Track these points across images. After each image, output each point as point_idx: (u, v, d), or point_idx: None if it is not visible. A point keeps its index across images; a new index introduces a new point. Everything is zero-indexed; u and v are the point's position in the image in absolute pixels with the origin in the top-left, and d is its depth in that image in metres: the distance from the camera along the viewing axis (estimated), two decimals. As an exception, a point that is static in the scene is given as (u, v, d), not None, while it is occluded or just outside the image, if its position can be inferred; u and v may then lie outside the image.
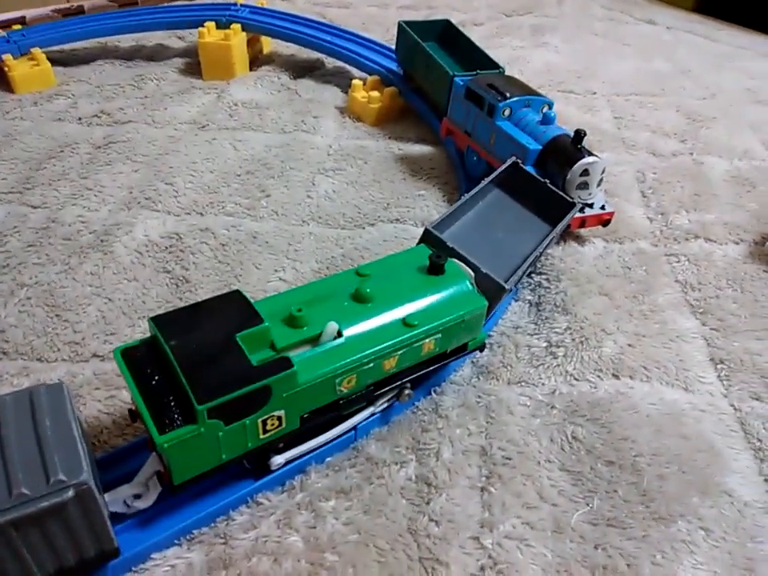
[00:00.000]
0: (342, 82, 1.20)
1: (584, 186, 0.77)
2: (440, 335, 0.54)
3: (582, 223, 0.80)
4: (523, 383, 0.64)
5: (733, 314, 0.74)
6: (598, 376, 0.65)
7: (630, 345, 0.69)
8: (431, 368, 0.57)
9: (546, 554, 0.50)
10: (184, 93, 1.15)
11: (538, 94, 0.86)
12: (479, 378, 0.64)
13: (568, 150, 0.78)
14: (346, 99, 1.14)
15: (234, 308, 0.49)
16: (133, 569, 0.47)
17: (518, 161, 0.74)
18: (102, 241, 0.78)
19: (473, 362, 0.66)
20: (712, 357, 0.69)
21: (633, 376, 0.65)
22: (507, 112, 0.84)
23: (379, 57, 1.18)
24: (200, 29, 1.16)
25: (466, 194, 0.69)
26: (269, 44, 1.33)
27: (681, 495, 0.54)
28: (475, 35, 1.47)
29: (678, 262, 0.82)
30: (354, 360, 0.49)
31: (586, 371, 0.65)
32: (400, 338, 0.52)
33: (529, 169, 0.76)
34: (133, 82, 1.16)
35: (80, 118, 1.05)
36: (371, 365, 0.51)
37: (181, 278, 0.74)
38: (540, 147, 0.80)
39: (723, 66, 1.43)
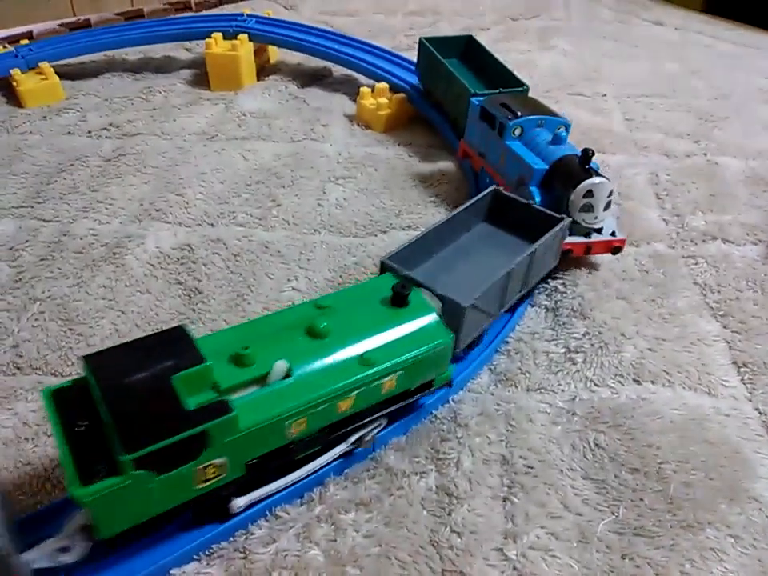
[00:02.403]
0: (350, 90, 1.20)
1: (588, 208, 0.72)
2: (402, 373, 0.50)
3: (588, 249, 0.75)
4: (542, 390, 0.63)
5: (754, 316, 0.73)
6: (619, 381, 0.64)
7: (650, 349, 0.68)
8: (393, 407, 0.53)
9: (572, 564, 0.48)
10: (192, 104, 1.15)
11: (555, 114, 0.82)
12: (497, 386, 0.63)
13: (573, 170, 0.73)
14: (354, 107, 1.13)
15: (175, 346, 0.45)
16: (152, 586, 0.46)
17: (499, 188, 0.73)
18: (113, 253, 0.78)
19: (490, 369, 0.65)
20: (734, 360, 0.67)
21: (655, 381, 0.64)
22: (518, 131, 0.80)
23: (387, 64, 1.18)
24: (207, 40, 1.16)
25: (432, 225, 0.66)
26: (275, 54, 1.33)
27: (708, 502, 0.53)
28: (482, 39, 1.47)
29: (696, 263, 0.81)
30: (304, 401, 0.46)
31: (607, 377, 0.64)
32: (356, 377, 0.48)
33: (534, 190, 0.74)
34: (141, 95, 1.17)
35: (89, 131, 1.05)
36: (323, 406, 0.47)
37: (193, 290, 0.73)
38: (546, 167, 0.75)
39: (734, 66, 1.42)
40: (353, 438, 0.52)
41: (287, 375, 0.47)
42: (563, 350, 0.67)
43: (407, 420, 0.58)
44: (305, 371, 0.47)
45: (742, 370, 0.66)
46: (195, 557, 0.48)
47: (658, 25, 1.67)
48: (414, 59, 1.13)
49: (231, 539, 0.49)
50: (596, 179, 0.71)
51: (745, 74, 1.38)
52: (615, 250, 0.76)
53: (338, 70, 1.28)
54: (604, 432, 0.59)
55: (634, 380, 0.64)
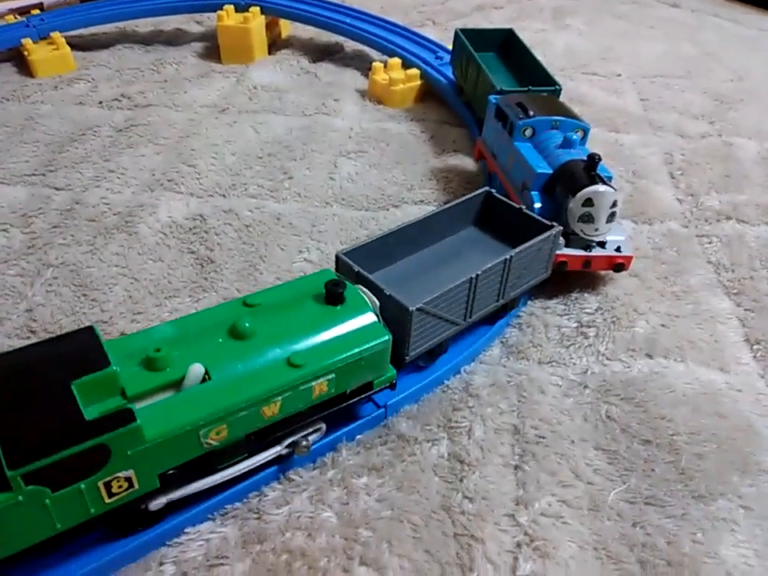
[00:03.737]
0: (362, 65, 1.19)
1: (588, 218, 0.65)
2: (333, 375, 0.47)
3: (587, 264, 0.68)
4: (554, 363, 0.63)
5: (767, 295, 0.72)
6: (631, 356, 0.64)
7: (663, 325, 0.67)
8: (327, 411, 0.50)
9: (582, 531, 0.49)
10: (203, 77, 1.14)
11: (577, 117, 0.75)
12: (509, 358, 0.63)
13: (575, 176, 0.66)
14: (366, 82, 1.12)
15: (81, 349, 0.41)
16: (167, 543, 0.46)
17: (491, 190, 0.69)
18: (126, 222, 0.78)
19: (502, 341, 0.65)
20: (747, 337, 0.67)
21: (667, 356, 0.64)
22: (529, 132, 0.74)
23: (400, 39, 1.17)
24: (219, 12, 1.15)
25: (406, 223, 0.63)
26: (287, 28, 1.32)
27: (720, 473, 0.53)
28: (496, 18, 1.46)
29: (710, 242, 0.80)
30: (223, 407, 0.43)
31: (619, 351, 0.64)
32: (282, 381, 0.45)
33: (535, 196, 0.69)
34: (152, 66, 1.16)
35: (100, 102, 1.04)
36: (245, 412, 0.44)
37: (206, 259, 0.73)
38: (550, 171, 0.69)
39: (750, 49, 1.40)
40: (285, 443, 0.49)
41: (205, 379, 0.44)
42: (575, 325, 0.67)
43: (418, 389, 0.58)
44: (224, 375, 0.44)
45: (755, 347, 0.66)
46: (209, 516, 0.48)
47: (673, 6, 1.64)
48: (428, 36, 1.12)
49: (245, 500, 0.49)
50: (598, 187, 0.64)
51: (761, 57, 1.36)
52: (618, 267, 0.69)
53: (350, 46, 1.27)
54: (616, 404, 0.59)
55: (647, 354, 0.64)
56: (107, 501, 0.41)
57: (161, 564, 0.45)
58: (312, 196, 0.85)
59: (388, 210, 0.83)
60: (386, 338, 0.50)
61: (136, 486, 0.41)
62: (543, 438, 0.56)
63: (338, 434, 0.53)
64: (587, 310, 0.69)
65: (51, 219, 0.78)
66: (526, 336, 0.66)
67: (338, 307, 0.50)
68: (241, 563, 0.45)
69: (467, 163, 0.93)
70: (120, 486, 0.41)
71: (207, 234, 0.77)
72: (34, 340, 0.62)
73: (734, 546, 0.48)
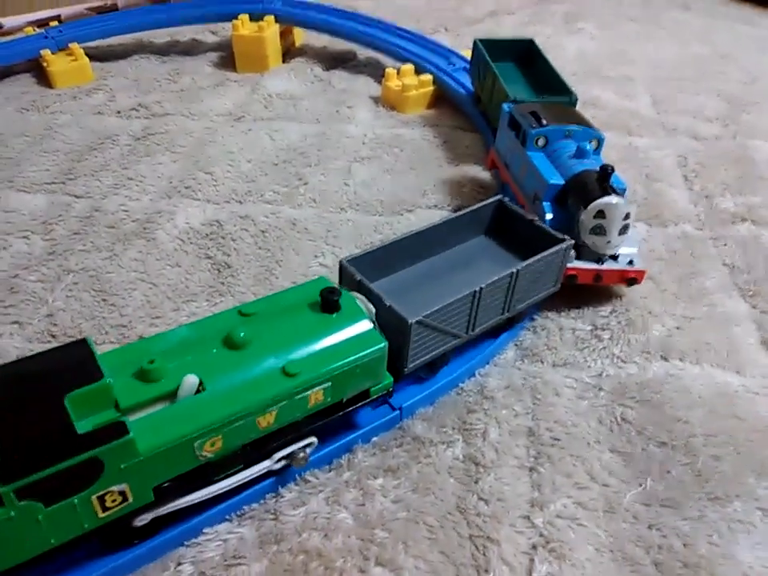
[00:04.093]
0: (375, 72, 1.20)
1: (600, 231, 0.64)
2: (329, 384, 0.47)
3: (598, 278, 0.67)
4: (569, 366, 0.63)
5: (784, 297, 0.72)
6: (646, 358, 0.64)
7: (678, 327, 0.67)
8: (324, 421, 0.50)
9: (598, 533, 0.49)
10: (219, 86, 1.16)
11: (591, 127, 0.74)
12: (523, 361, 0.64)
13: (588, 187, 0.65)
14: (379, 89, 1.13)
15: (74, 361, 0.41)
16: (185, 543, 0.47)
17: (503, 199, 0.68)
18: (144, 228, 0.79)
19: (516, 344, 0.66)
20: (763, 340, 0.67)
21: (683, 358, 0.64)
22: (542, 141, 0.73)
23: (412, 45, 1.18)
24: (234, 21, 1.17)
25: (413, 231, 0.63)
26: (301, 36, 1.33)
27: (736, 476, 0.53)
28: (508, 23, 1.47)
29: (725, 245, 0.80)
30: (218, 418, 0.42)
31: (634, 353, 0.64)
32: (277, 390, 0.44)
33: (547, 207, 0.68)
34: (169, 76, 1.18)
35: (119, 111, 1.06)
36: (240, 423, 0.43)
37: (223, 264, 0.74)
38: (562, 182, 0.68)
39: (762, 50, 1.40)
40: (281, 454, 0.48)
41: (200, 390, 0.43)
42: (590, 328, 0.67)
43: (433, 392, 0.58)
44: (219, 385, 0.43)
45: (771, 349, 0.66)
46: (227, 517, 0.49)
47: (685, 9, 1.64)
48: (441, 42, 1.13)
49: (262, 501, 0.50)
50: (611, 198, 0.63)
51: (775, 59, 1.35)
52: (630, 281, 0.68)
53: (363, 53, 1.28)
54: (631, 407, 0.59)
55: (662, 357, 0.64)
56: (101, 515, 0.40)
57: (179, 564, 0.46)
58: (327, 201, 0.86)
59: (402, 214, 0.84)
60: (382, 345, 0.49)
61: (130, 499, 0.41)
62: (558, 440, 0.56)
63: (354, 436, 0.54)
64: (602, 313, 0.69)
65: (71, 226, 0.80)
66: (540, 339, 0.66)
67: (334, 315, 0.49)
68: (258, 563, 0.46)
69: (480, 169, 0.94)
70: (114, 500, 0.40)
71: (224, 239, 0.78)
72: (54, 344, 0.64)
73: (750, 548, 0.48)
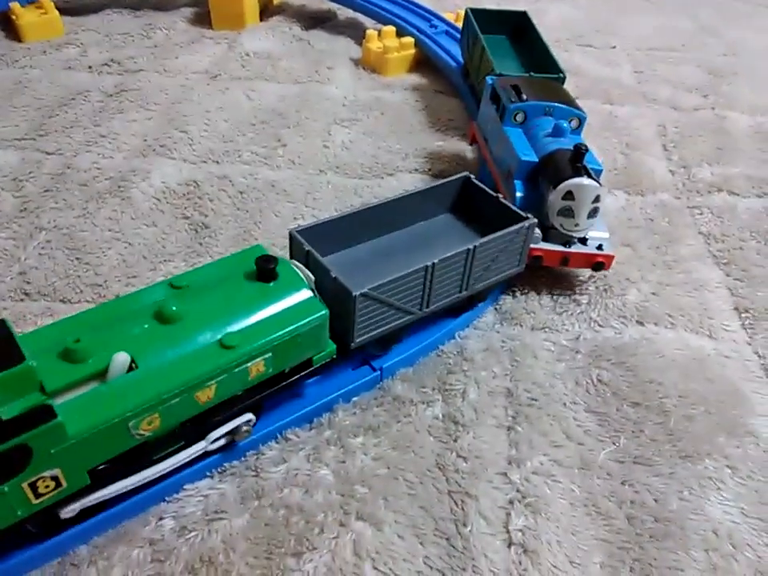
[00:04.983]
0: (355, 33, 1.17)
1: (567, 212, 0.62)
2: (270, 354, 0.46)
3: (565, 261, 0.65)
4: (547, 329, 0.64)
5: (756, 265, 0.73)
6: (623, 323, 0.65)
7: (654, 293, 0.68)
8: (268, 392, 0.48)
9: (573, 489, 0.50)
10: (194, 42, 1.12)
11: (574, 105, 0.71)
12: (502, 324, 0.64)
13: (559, 166, 0.62)
14: (359, 51, 1.11)
15: None
16: (166, 499, 0.47)
17: (470, 175, 0.66)
18: (119, 187, 0.77)
19: (495, 308, 0.66)
20: (736, 306, 0.68)
21: (657, 323, 0.65)
22: (520, 117, 0.70)
23: (394, 6, 1.15)
24: (211, -24, 1.13)
25: (371, 204, 0.61)
26: (280, -5, 1.30)
27: (707, 435, 0.54)
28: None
29: (701, 214, 0.81)
30: (152, 396, 0.41)
31: (611, 318, 0.65)
32: (215, 364, 0.43)
33: (518, 185, 0.66)
34: (142, 32, 1.14)
35: (90, 67, 1.03)
36: (177, 399, 0.42)
37: (200, 224, 0.73)
38: (535, 160, 0.66)
39: (745, 25, 1.40)
40: (224, 430, 0.47)
41: (132, 368, 0.42)
42: (568, 292, 0.68)
43: (414, 353, 0.59)
44: (152, 362, 0.42)
45: (743, 315, 0.67)
46: (208, 474, 0.49)
47: (669, -20, 1.63)
48: (422, 4, 1.11)
49: (243, 458, 0.50)
50: (581, 180, 0.60)
51: (756, 33, 1.36)
52: (597, 266, 0.65)
53: (343, 13, 1.25)
54: (607, 369, 0.60)
55: (638, 321, 0.65)
56: (35, 502, 0.39)
57: (160, 519, 0.46)
58: (306, 163, 0.85)
59: (383, 178, 0.83)
60: (323, 312, 0.48)
61: (64, 484, 0.40)
62: (535, 400, 0.57)
63: (334, 395, 0.54)
64: (580, 278, 0.70)
65: (43, 183, 0.77)
66: (519, 303, 0.67)
67: (271, 284, 0.48)
68: (239, 518, 0.46)
69: (461, 133, 0.93)
70: (47, 486, 0.39)
71: (201, 199, 0.77)
72: (28, 302, 0.62)
73: (720, 504, 0.50)
